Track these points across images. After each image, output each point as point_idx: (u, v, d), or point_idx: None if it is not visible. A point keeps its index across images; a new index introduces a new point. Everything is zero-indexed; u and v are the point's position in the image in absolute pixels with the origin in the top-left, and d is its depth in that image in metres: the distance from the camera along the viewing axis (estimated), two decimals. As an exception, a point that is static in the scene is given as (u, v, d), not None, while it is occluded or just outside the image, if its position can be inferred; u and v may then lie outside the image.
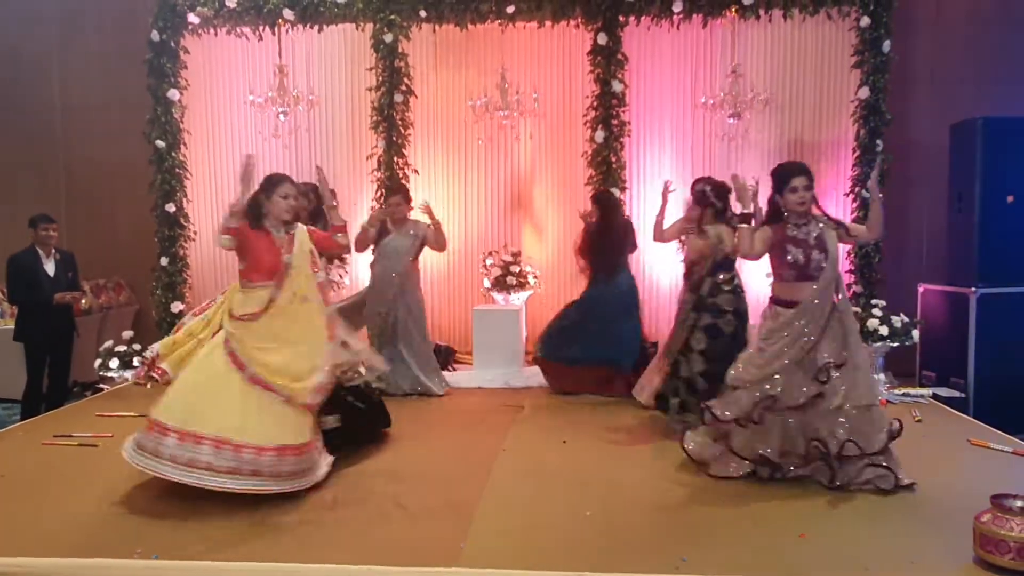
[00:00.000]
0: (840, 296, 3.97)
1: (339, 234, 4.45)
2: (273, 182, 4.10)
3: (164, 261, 7.40)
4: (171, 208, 7.36)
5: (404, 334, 6.10)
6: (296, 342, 3.95)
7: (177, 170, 7.41)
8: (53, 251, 6.08)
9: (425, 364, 6.21)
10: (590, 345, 5.93)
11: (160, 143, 7.32)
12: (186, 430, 3.62)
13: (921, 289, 6.76)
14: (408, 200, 6.23)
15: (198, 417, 3.66)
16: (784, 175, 3.99)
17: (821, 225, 3.99)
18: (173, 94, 7.34)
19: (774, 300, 4.05)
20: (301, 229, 4.19)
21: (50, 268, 6.02)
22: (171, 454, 3.59)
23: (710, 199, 4.98)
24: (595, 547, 3.19)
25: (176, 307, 7.37)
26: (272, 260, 3.99)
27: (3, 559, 3.03)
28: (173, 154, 7.39)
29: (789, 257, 3.93)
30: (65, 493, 3.90)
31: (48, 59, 8.27)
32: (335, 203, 4.64)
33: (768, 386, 3.86)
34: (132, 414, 5.48)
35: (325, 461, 4.02)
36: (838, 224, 4.06)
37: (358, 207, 7.54)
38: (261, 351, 3.86)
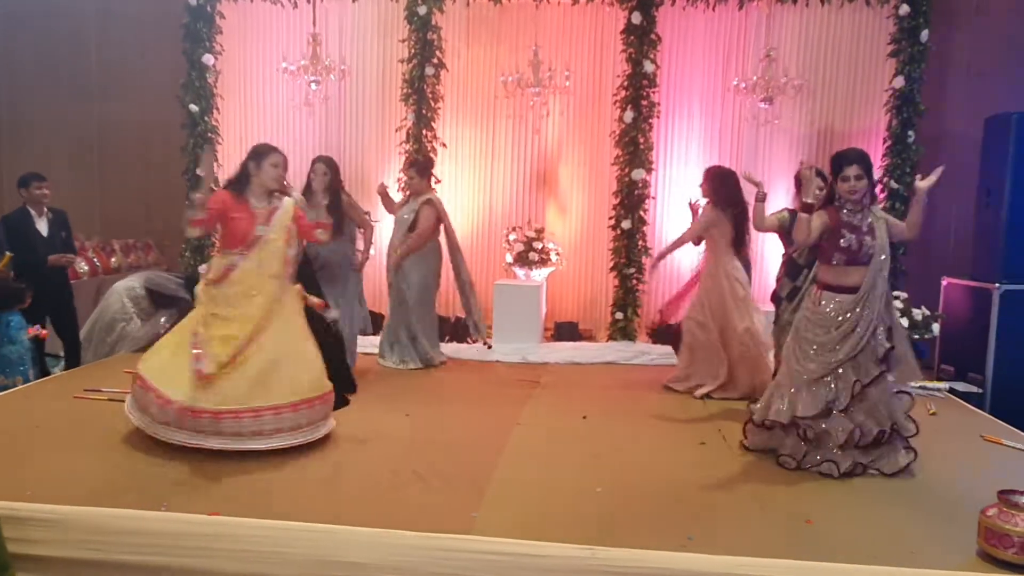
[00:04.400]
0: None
1: (321, 230, 4.43)
2: (262, 151, 4.17)
3: (193, 224, 7.52)
4: (202, 172, 7.46)
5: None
6: (249, 319, 4.00)
7: (209, 134, 7.51)
8: (45, 210, 5.98)
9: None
10: None
11: (193, 107, 7.42)
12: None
13: (944, 283, 6.73)
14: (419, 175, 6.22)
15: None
16: (838, 163, 4.02)
17: (876, 214, 4.06)
18: (208, 59, 7.42)
19: (823, 285, 4.06)
20: (287, 204, 4.21)
21: (43, 227, 5.93)
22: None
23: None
24: (604, 522, 3.26)
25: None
26: (246, 229, 4.08)
27: (36, 506, 3.16)
28: (206, 118, 7.49)
29: (843, 242, 3.95)
30: (96, 445, 4.04)
31: (85, 20, 8.37)
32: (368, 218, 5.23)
33: (832, 383, 3.95)
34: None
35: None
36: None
37: (386, 178, 7.59)
38: (215, 318, 4.02)
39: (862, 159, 4.02)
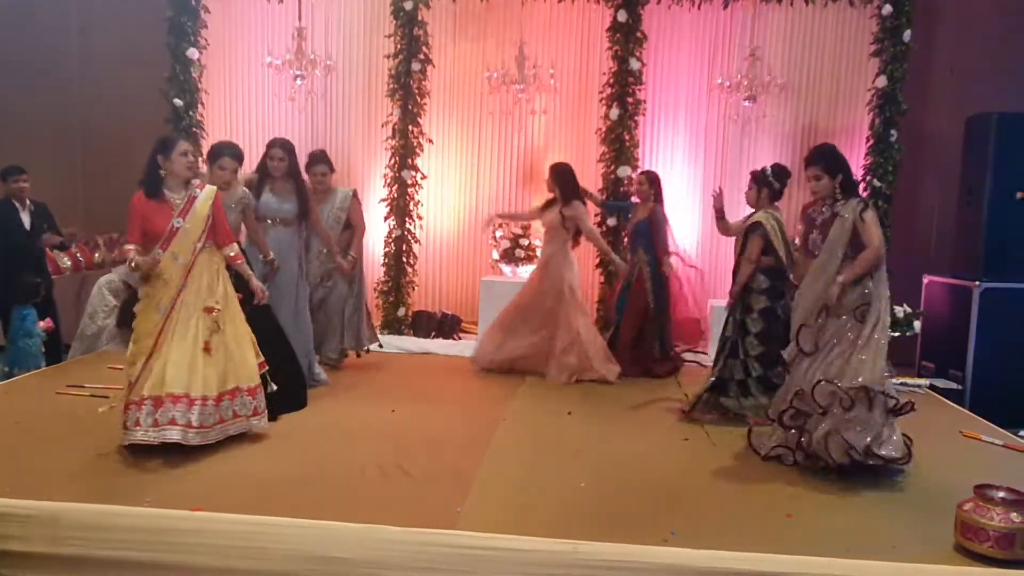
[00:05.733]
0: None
1: (230, 246, 4.24)
2: (169, 143, 4.11)
3: (178, 219, 7.47)
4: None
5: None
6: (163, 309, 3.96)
7: (194, 129, 7.44)
8: (27, 202, 5.97)
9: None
10: None
11: (178, 101, 7.36)
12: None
13: (926, 280, 6.80)
14: (331, 169, 5.85)
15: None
16: None
17: (840, 211, 3.96)
18: (192, 53, 7.36)
19: None
20: (207, 192, 4.11)
21: (25, 220, 5.93)
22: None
23: (768, 179, 4.93)
24: (588, 517, 3.29)
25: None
26: (165, 225, 3.99)
27: (18, 502, 3.14)
28: (190, 113, 7.43)
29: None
30: (77, 441, 4.02)
31: (67, 13, 8.29)
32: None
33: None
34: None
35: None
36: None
37: (373, 174, 7.60)
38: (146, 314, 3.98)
39: (819, 157, 4.07)
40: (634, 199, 6.44)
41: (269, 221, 5.19)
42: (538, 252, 7.49)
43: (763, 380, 4.77)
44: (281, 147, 5.26)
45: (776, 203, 4.94)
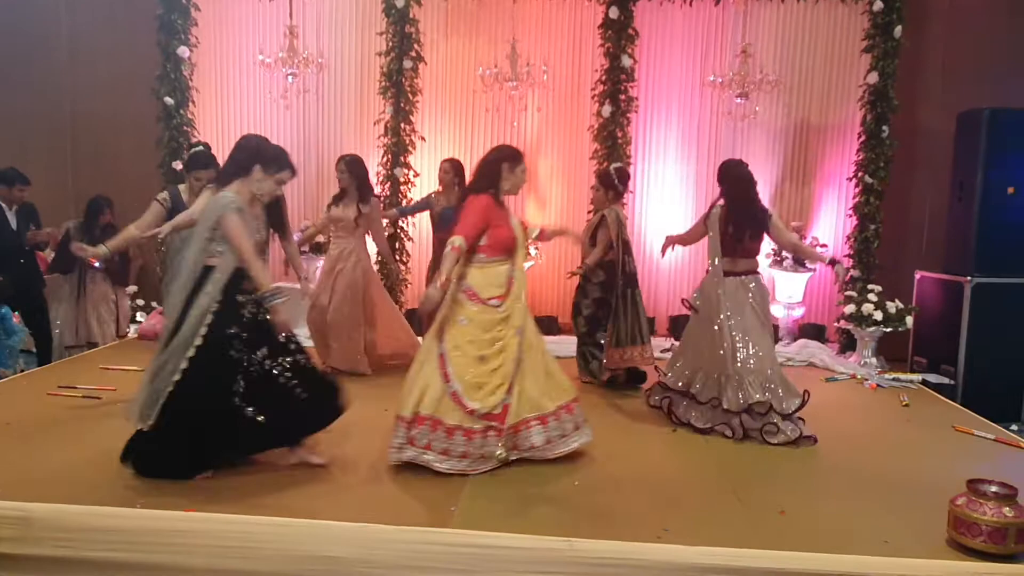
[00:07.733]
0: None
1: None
2: (513, 154, 3.97)
3: (169, 218, 7.43)
4: (178, 165, 7.38)
5: None
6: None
7: (185, 127, 7.42)
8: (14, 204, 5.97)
9: None
10: None
11: (168, 100, 7.33)
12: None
13: (918, 276, 6.82)
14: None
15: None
16: None
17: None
18: (183, 51, 7.33)
19: None
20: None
21: (12, 221, 5.93)
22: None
23: (614, 182, 5.40)
24: (581, 515, 3.29)
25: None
26: (510, 235, 3.84)
27: (10, 503, 3.12)
28: (181, 111, 7.40)
29: None
30: (69, 443, 4.00)
31: (57, 10, 8.23)
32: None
33: None
34: (136, 368, 5.57)
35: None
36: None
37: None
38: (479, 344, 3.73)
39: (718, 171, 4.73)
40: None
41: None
42: (531, 250, 7.51)
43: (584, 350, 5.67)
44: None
45: (620, 201, 5.49)
